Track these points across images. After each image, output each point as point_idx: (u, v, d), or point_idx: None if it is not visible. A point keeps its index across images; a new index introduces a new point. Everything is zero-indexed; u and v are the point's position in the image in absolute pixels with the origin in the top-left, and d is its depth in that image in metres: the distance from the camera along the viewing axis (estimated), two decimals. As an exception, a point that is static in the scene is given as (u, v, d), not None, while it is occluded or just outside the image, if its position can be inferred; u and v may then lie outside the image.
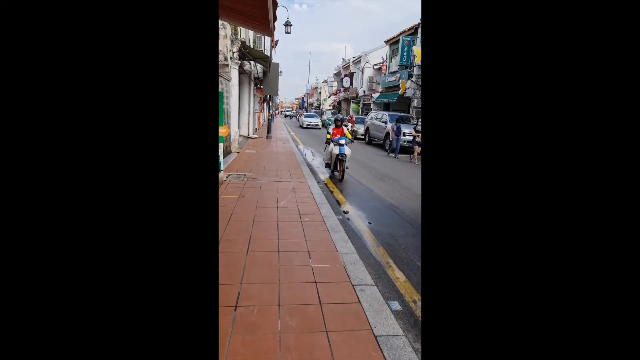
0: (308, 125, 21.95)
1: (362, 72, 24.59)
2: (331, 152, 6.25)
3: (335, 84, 35.16)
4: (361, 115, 22.19)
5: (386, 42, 19.69)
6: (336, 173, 6.37)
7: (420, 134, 9.12)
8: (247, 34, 11.35)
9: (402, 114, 13.35)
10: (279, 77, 13.04)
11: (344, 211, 4.27)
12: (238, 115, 9.81)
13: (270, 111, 13.95)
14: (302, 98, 53.73)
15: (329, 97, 38.67)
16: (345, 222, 3.77)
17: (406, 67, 16.25)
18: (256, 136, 12.93)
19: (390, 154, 10.42)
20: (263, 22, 3.76)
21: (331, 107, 36.98)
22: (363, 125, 14.84)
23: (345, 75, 29.00)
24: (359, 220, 3.95)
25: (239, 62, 8.40)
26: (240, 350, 1.59)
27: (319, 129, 21.52)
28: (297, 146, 11.13)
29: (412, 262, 2.91)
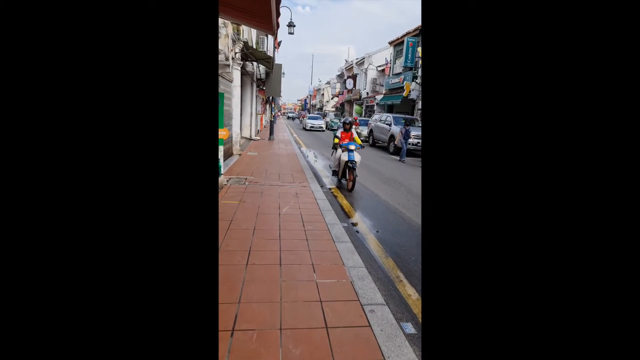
0: (312, 127, 21.42)
1: (366, 74, 24.41)
2: (339, 159, 5.65)
3: (338, 85, 35.00)
4: (364, 117, 21.99)
5: (390, 43, 19.51)
6: (343, 181, 5.85)
7: None
8: (250, 35, 11.20)
9: (406, 116, 13.14)
10: (282, 78, 12.88)
11: (352, 223, 4.06)
12: (240, 117, 9.64)
13: (273, 113, 13.77)
14: (305, 100, 53.60)
15: (332, 98, 38.51)
16: (350, 230, 3.57)
17: (411, 69, 16.05)
18: (258, 138, 12.76)
19: (396, 157, 10.20)
20: (265, 19, 3.58)
21: (334, 109, 36.84)
22: (367, 127, 14.65)
23: (349, 77, 28.84)
24: (365, 228, 3.75)
25: (241, 62, 8.23)
26: (236, 387, 1.39)
27: (323, 131, 21.18)
28: (299, 148, 10.95)
29: (424, 276, 2.70)
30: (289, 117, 45.73)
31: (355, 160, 5.34)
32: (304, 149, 11.30)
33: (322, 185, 5.58)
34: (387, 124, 12.21)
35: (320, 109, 45.43)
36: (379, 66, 22.53)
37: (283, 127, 22.64)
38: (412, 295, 2.39)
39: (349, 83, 28.23)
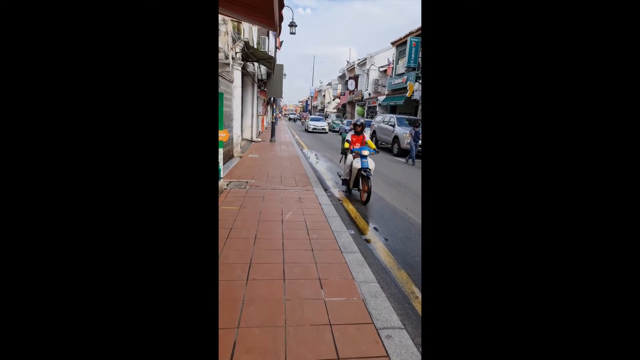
0: (314, 129, 20.70)
1: (368, 75, 24.20)
2: (350, 166, 4.87)
3: (339, 86, 34.80)
4: (367, 118, 21.77)
5: (392, 43, 19.29)
6: (354, 191, 5.15)
7: None
8: (251, 34, 11.00)
9: (410, 116, 12.91)
10: (283, 79, 12.68)
11: (360, 230, 3.83)
12: (241, 118, 9.43)
13: (274, 114, 13.56)
14: (306, 101, 53.46)
15: (333, 99, 38.33)
16: (358, 239, 3.34)
17: (414, 69, 15.83)
18: (259, 140, 12.55)
19: (402, 159, 9.96)
20: (267, 13, 3.37)
21: (335, 110, 36.65)
22: (369, 128, 14.42)
23: (350, 78, 28.65)
24: (373, 236, 3.52)
25: (242, 62, 8.02)
26: None
27: (326, 132, 20.73)
28: (301, 150, 10.73)
29: (441, 290, 2.46)
30: (290, 119, 45.57)
31: (369, 167, 4.64)
32: (306, 150, 11.08)
33: (326, 189, 5.35)
34: (390, 125, 11.98)
35: (322, 110, 45.24)
36: (381, 67, 22.31)
37: (284, 129, 22.44)
38: (431, 315, 2.16)
39: (351, 84, 28.02)
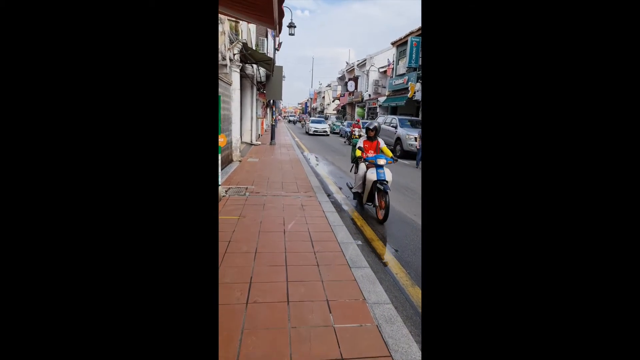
0: (315, 131, 19.81)
1: (367, 76, 24.01)
2: (364, 177, 4.20)
3: (339, 88, 34.62)
4: (367, 119, 21.55)
5: (393, 44, 19.10)
6: (368, 206, 4.46)
7: None
8: (249, 36, 10.81)
9: (412, 117, 12.70)
10: (282, 81, 12.47)
11: (367, 240, 3.60)
12: (240, 121, 9.21)
13: (274, 116, 13.35)
14: (306, 103, 53.30)
15: (333, 101, 38.16)
16: (366, 250, 3.11)
17: (415, 69, 15.63)
18: (259, 143, 12.33)
19: (405, 161, 9.74)
20: (266, 10, 3.16)
21: (335, 112, 36.46)
22: (371, 130, 14.20)
23: (350, 79, 28.46)
24: (382, 246, 3.29)
25: (240, 64, 7.81)
26: None
27: (327, 135, 20.14)
28: (302, 153, 10.50)
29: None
30: (290, 121, 45.39)
31: (387, 180, 3.93)
32: (306, 153, 10.86)
33: (329, 195, 5.12)
34: (392, 127, 11.77)
35: (321, 112, 45.05)
36: (381, 67, 22.11)
37: (284, 131, 22.21)
38: (453, 341, 1.93)
39: (351, 85, 27.82)
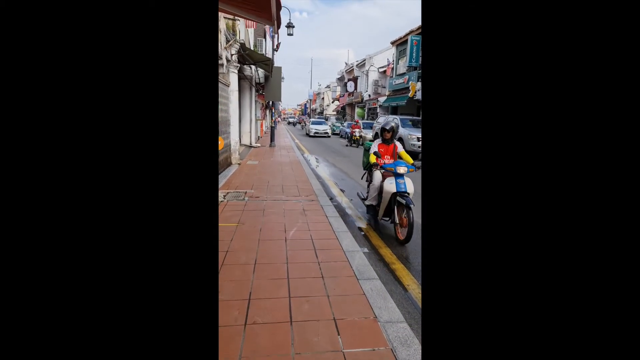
0: (316, 133, 19.09)
1: (367, 76, 23.84)
2: (379, 188, 3.53)
3: (338, 88, 34.47)
4: (367, 119, 21.38)
5: (392, 43, 18.93)
6: (385, 222, 3.67)
7: None
8: (247, 36, 10.63)
9: (413, 117, 12.50)
10: (281, 83, 12.29)
11: (374, 246, 3.39)
12: (239, 124, 9.02)
13: (273, 118, 13.16)
14: (305, 104, 53.15)
15: (333, 102, 38.00)
16: (373, 259, 2.90)
17: (415, 68, 15.45)
18: (259, 145, 12.14)
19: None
20: (263, 5, 2.97)
21: (335, 113, 36.31)
22: (372, 130, 14.02)
23: (349, 80, 28.30)
24: (389, 253, 3.08)
25: (238, 65, 7.63)
26: None
27: (329, 136, 19.62)
28: (302, 155, 10.31)
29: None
30: (289, 123, 45.24)
31: (408, 191, 3.28)
32: (307, 155, 10.66)
33: (331, 198, 4.92)
34: (394, 127, 11.57)
35: (321, 113, 44.91)
36: (381, 67, 21.94)
37: (284, 133, 22.02)
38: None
39: (350, 86, 27.65)
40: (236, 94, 7.66)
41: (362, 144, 13.95)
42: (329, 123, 23.46)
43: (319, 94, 49.27)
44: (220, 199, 4.48)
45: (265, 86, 12.01)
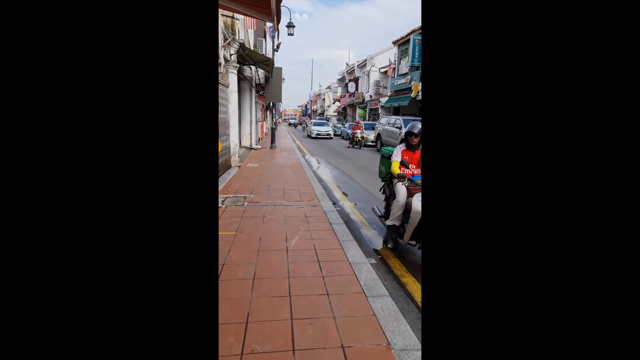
0: (318, 134, 18.55)
1: (368, 76, 23.64)
2: (403, 206, 2.87)
3: (339, 89, 34.28)
4: (368, 120, 21.17)
5: (394, 42, 18.73)
6: (411, 246, 3.05)
7: None
8: (247, 36, 10.44)
9: (415, 117, 12.30)
10: (282, 83, 12.09)
11: (382, 258, 3.18)
12: (238, 125, 8.82)
13: (274, 119, 12.96)
14: (306, 105, 52.98)
15: (333, 103, 37.81)
16: (382, 271, 2.69)
17: (418, 68, 15.24)
18: (259, 147, 11.94)
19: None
20: (263, 2, 2.77)
21: (336, 114, 36.11)
22: (373, 131, 13.81)
23: (350, 80, 28.11)
24: (399, 265, 2.87)
25: (237, 65, 7.43)
26: None
27: (331, 138, 19.12)
28: (304, 157, 10.10)
29: None
30: (290, 124, 45.07)
31: None
32: (308, 157, 10.45)
33: (334, 202, 4.71)
34: (397, 128, 11.38)
35: (322, 114, 44.71)
36: (382, 68, 21.73)
37: (285, 134, 21.83)
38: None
39: (351, 86, 27.45)
40: (236, 95, 7.47)
41: (364, 145, 13.84)
42: (330, 124, 23.15)
43: (319, 95, 49.11)
44: (219, 204, 4.27)
45: (265, 87, 11.82)
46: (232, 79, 7.21)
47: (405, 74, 16.98)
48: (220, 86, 6.13)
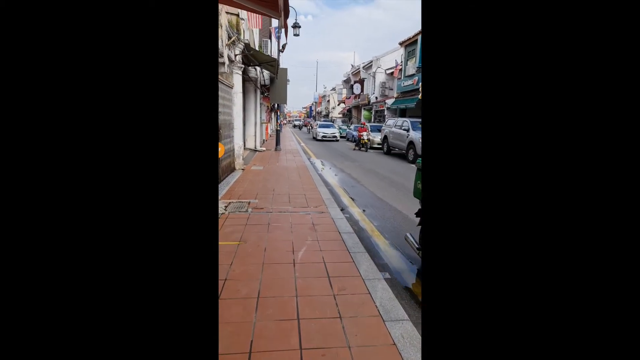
0: (324, 136, 17.88)
1: (374, 78, 23.41)
2: None
3: (344, 91, 34.08)
4: (374, 122, 20.93)
5: (401, 43, 18.49)
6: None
7: None
8: (252, 37, 10.28)
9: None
10: (287, 85, 11.89)
11: (397, 270, 2.95)
12: (243, 127, 8.64)
13: (279, 121, 12.77)
14: (310, 107, 52.82)
15: (338, 104, 37.61)
16: (398, 288, 2.46)
17: (425, 70, 14.98)
18: (264, 149, 11.76)
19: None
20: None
21: (341, 115, 35.92)
22: (380, 133, 13.57)
23: (356, 82, 27.90)
24: (417, 283, 2.63)
25: (242, 66, 7.25)
26: None
27: (337, 140, 18.25)
28: (309, 159, 9.89)
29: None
30: (295, 126, 44.94)
31: None
32: (314, 159, 10.24)
33: (342, 209, 4.49)
34: (404, 130, 11.12)
35: (326, 115, 44.55)
36: (388, 69, 21.48)
37: (289, 136, 21.66)
38: None
39: (357, 88, 27.24)
40: (240, 96, 7.28)
41: (370, 148, 13.59)
42: (336, 126, 22.85)
43: (324, 96, 48.96)
44: (221, 210, 4.07)
45: (270, 88, 11.65)
46: (237, 79, 7.02)
47: (413, 75, 16.73)
48: (224, 87, 5.94)
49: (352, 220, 4.03)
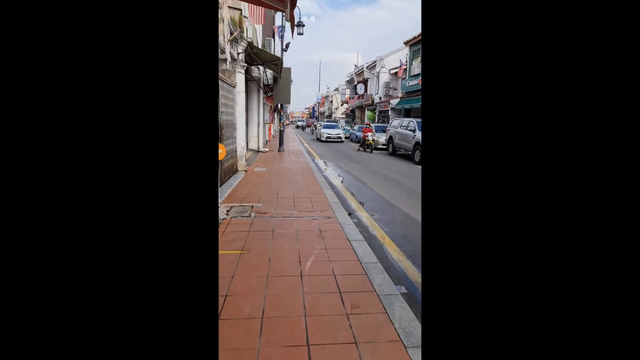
0: (328, 137, 17.32)
1: (378, 78, 23.15)
2: None
3: (347, 91, 33.84)
4: (378, 122, 20.66)
5: (406, 43, 18.23)
6: None
7: None
8: (255, 35, 10.08)
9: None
10: (290, 84, 11.69)
11: (413, 282, 2.71)
12: (246, 127, 8.43)
13: (282, 121, 12.57)
14: (313, 107, 52.64)
15: (341, 105, 37.38)
16: (417, 306, 2.23)
17: (430, 69, 14.71)
18: (267, 149, 11.55)
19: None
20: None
21: (344, 116, 35.68)
22: (385, 134, 13.33)
23: (359, 82, 27.66)
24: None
25: (245, 65, 7.04)
26: None
27: (342, 141, 17.61)
28: (313, 161, 9.67)
29: None
30: (298, 126, 44.72)
31: None
32: (318, 160, 10.01)
33: (350, 213, 4.26)
34: (410, 130, 10.86)
35: (329, 116, 44.32)
36: (392, 69, 21.22)
37: (293, 137, 21.45)
38: None
39: (360, 88, 26.99)
40: (243, 95, 7.08)
41: (375, 149, 13.34)
42: (341, 126, 22.51)
43: (327, 97, 48.75)
44: (223, 215, 3.85)
45: (273, 88, 11.43)
46: (240, 79, 6.81)
47: (418, 74, 16.47)
48: (226, 86, 5.73)
49: (361, 226, 3.80)
